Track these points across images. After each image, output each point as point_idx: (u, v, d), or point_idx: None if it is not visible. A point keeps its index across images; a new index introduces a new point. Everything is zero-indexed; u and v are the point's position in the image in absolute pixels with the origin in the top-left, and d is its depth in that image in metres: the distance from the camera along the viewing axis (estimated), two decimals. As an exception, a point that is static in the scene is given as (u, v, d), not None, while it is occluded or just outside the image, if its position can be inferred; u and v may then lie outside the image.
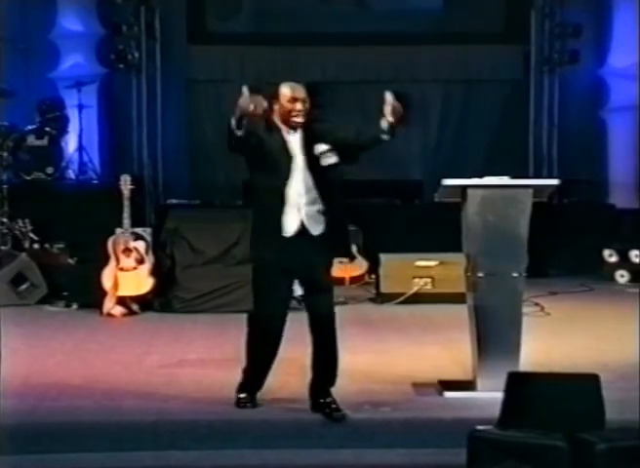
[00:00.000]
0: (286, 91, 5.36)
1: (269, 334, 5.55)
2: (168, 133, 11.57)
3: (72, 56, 11.26)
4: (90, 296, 8.71)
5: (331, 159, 5.41)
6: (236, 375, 5.67)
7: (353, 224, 10.51)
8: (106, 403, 5.67)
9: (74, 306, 8.86)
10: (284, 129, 5.38)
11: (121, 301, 8.62)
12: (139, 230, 9.01)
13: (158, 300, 8.79)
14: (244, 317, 8.12)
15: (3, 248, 9.45)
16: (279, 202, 5.33)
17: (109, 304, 8.59)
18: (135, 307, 8.66)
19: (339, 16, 11.64)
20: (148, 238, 9.02)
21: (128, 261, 8.71)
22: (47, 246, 9.59)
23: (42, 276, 9.09)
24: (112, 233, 8.77)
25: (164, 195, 11.41)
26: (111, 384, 6.09)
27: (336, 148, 5.40)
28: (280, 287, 5.48)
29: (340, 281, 10.05)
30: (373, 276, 9.72)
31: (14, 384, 6.02)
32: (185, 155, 11.84)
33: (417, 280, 9.06)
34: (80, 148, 10.69)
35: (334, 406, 5.36)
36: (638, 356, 6.28)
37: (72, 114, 10.70)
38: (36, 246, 9.60)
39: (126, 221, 8.67)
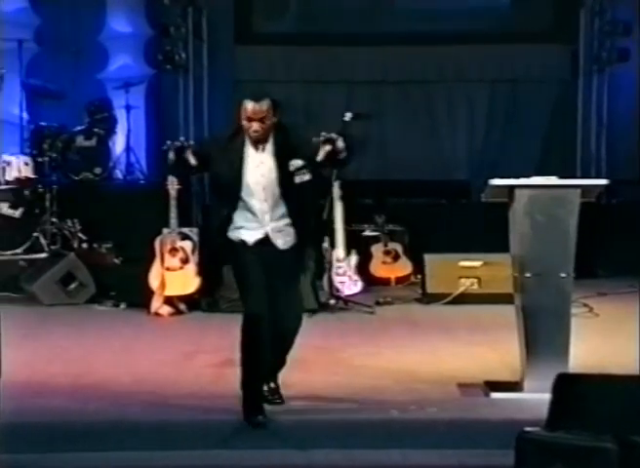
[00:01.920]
0: (244, 108, 5.29)
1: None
2: (214, 133, 11.60)
3: (121, 57, 11.33)
4: (137, 296, 8.77)
5: (304, 176, 5.36)
6: (283, 375, 5.68)
7: (399, 224, 10.49)
8: (154, 402, 5.70)
9: (122, 306, 8.92)
10: (250, 144, 5.36)
11: (168, 301, 8.67)
12: (185, 230, 9.05)
13: (205, 300, 8.83)
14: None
15: (52, 247, 9.55)
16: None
17: (157, 304, 8.64)
18: (182, 307, 8.71)
19: (384, 15, 11.61)
20: (195, 238, 9.06)
21: (174, 261, 8.76)
22: (95, 246, 9.67)
23: (90, 275, 9.16)
24: (159, 233, 8.82)
25: (210, 195, 11.44)
26: (158, 383, 6.13)
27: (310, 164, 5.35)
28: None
29: (386, 281, 10.04)
30: (418, 276, 9.69)
31: (63, 383, 6.09)
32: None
33: (463, 280, 9.02)
34: (127, 149, 10.76)
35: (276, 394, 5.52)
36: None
37: (120, 115, 10.78)
38: (85, 246, 9.69)
39: (173, 221, 8.71)
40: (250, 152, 5.36)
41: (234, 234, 5.46)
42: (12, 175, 9.92)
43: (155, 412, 5.49)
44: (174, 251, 8.75)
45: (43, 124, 10.48)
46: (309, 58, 11.64)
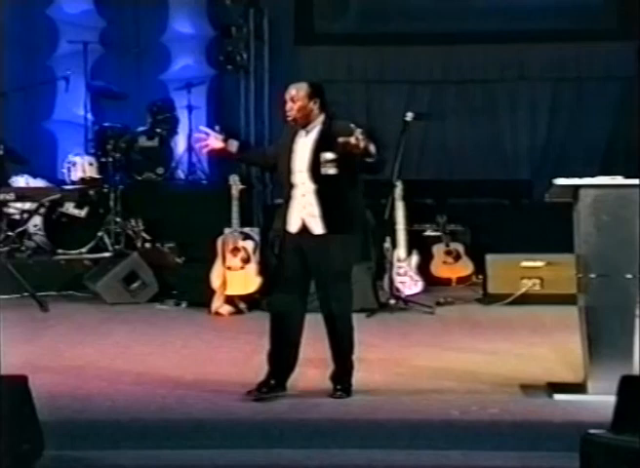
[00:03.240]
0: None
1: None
2: (275, 133, 11.64)
3: (183, 58, 11.42)
4: (199, 295, 8.82)
5: (329, 170, 5.53)
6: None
7: (460, 224, 10.44)
8: (215, 400, 5.73)
9: (183, 305, 8.97)
10: (298, 130, 5.65)
11: (229, 300, 8.72)
12: (247, 230, 9.09)
13: (265, 299, 8.85)
14: (354, 316, 8.15)
15: (116, 247, 9.65)
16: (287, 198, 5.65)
17: (217, 303, 8.69)
18: (242, 306, 8.74)
19: (445, 15, 11.55)
20: (256, 238, 9.10)
21: (235, 261, 8.80)
22: (158, 245, 9.75)
23: (153, 275, 9.23)
24: (221, 233, 8.87)
25: (272, 195, 11.49)
26: (220, 382, 6.15)
27: (344, 159, 5.47)
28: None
29: (447, 281, 10.00)
30: (480, 276, 9.63)
31: (125, 381, 6.15)
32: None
33: (525, 281, 8.94)
34: (189, 149, 10.84)
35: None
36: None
37: (182, 115, 10.87)
38: (147, 245, 9.78)
39: (235, 221, 8.76)
40: (297, 138, 5.64)
41: (279, 222, 5.74)
42: (77, 175, 10.05)
43: (217, 411, 5.52)
44: (235, 250, 8.80)
45: (107, 125, 10.60)
46: (370, 58, 11.63)
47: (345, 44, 11.64)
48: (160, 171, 10.57)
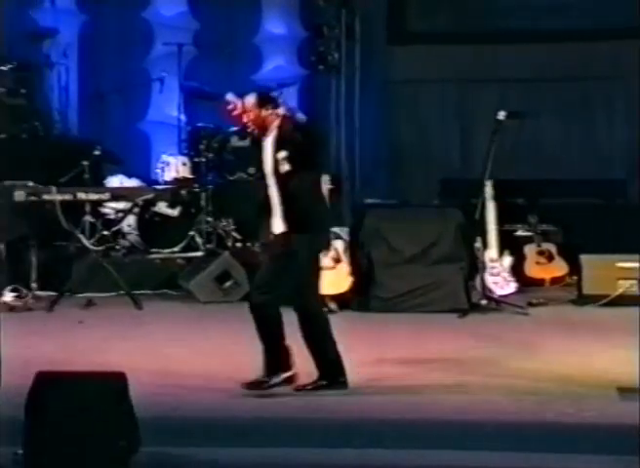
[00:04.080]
0: None
1: None
2: (365, 133, 11.64)
3: (274, 58, 11.48)
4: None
5: (284, 167, 5.82)
6: (438, 376, 5.65)
7: (552, 224, 10.30)
8: (309, 399, 5.75)
9: (277, 304, 9.00)
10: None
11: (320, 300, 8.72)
12: (336, 229, 9.09)
13: (356, 300, 8.86)
14: (443, 317, 8.13)
15: (208, 246, 9.74)
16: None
17: (309, 302, 8.70)
18: (333, 306, 8.74)
19: (539, 12, 11.41)
20: (346, 237, 9.10)
21: (326, 260, 8.80)
22: (248, 244, 9.81)
23: (245, 274, 9.30)
24: (311, 232, 8.89)
25: (361, 195, 11.48)
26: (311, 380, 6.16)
27: (298, 156, 5.78)
28: None
29: (540, 282, 9.87)
30: (574, 277, 9.49)
31: (220, 379, 6.21)
32: (382, 155, 11.88)
33: (621, 282, 8.79)
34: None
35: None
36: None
37: (277, 114, 10.91)
38: (238, 244, 9.85)
39: (325, 221, 8.76)
40: (262, 144, 6.00)
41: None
42: (170, 175, 10.16)
43: (310, 410, 5.54)
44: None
45: (200, 125, 10.69)
46: (463, 57, 11.52)
47: (438, 43, 11.56)
48: (251, 170, 10.62)
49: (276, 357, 5.94)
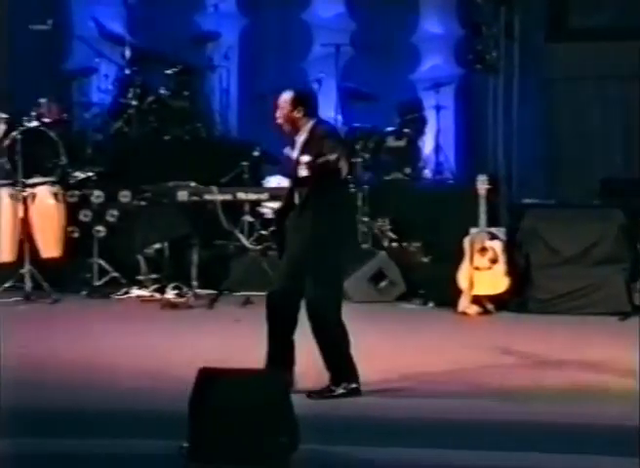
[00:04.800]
0: None
1: None
2: (523, 132, 11.47)
3: (432, 57, 11.45)
4: (446, 295, 8.83)
5: (302, 172, 5.73)
6: (598, 379, 5.53)
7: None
8: (462, 400, 5.71)
9: (430, 304, 9.00)
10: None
11: (476, 300, 8.67)
12: (493, 230, 9.02)
13: (514, 300, 8.76)
14: (603, 320, 7.93)
15: (364, 246, 9.78)
16: None
17: (464, 303, 8.67)
18: (490, 307, 8.68)
19: None
20: (503, 237, 9.01)
21: (483, 261, 8.75)
22: (404, 244, 9.81)
23: (400, 274, 9.31)
24: (466, 233, 8.85)
25: (518, 195, 11.33)
26: (466, 382, 6.13)
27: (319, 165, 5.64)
28: None
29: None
30: None
31: (373, 379, 6.22)
32: (541, 154, 11.69)
33: None
34: (437, 149, 10.85)
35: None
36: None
37: (430, 115, 10.90)
38: (394, 244, 9.86)
39: (482, 221, 8.72)
40: (294, 145, 5.91)
41: None
42: (327, 175, 10.25)
43: (466, 411, 5.51)
44: (483, 250, 8.75)
45: (356, 125, 10.77)
46: (624, 53, 11.22)
47: (598, 39, 11.29)
48: (407, 170, 10.64)
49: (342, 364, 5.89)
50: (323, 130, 5.84)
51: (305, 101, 5.89)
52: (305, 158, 5.76)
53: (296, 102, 5.85)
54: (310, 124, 5.84)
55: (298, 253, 5.83)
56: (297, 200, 5.87)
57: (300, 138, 5.86)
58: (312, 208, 5.79)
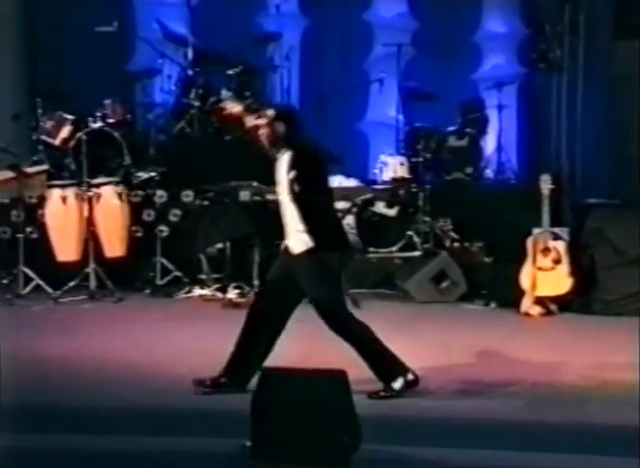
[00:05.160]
0: None
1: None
2: (587, 131, 11.35)
3: (494, 56, 11.37)
4: (508, 295, 8.77)
5: (295, 187, 5.79)
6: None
7: None
8: (532, 402, 5.67)
9: (492, 305, 8.94)
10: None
11: (539, 301, 8.60)
12: (557, 230, 8.94)
13: (577, 301, 8.67)
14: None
15: (425, 246, 9.76)
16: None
17: (527, 304, 8.60)
18: (553, 307, 8.61)
19: None
20: (566, 238, 8.93)
21: (545, 261, 8.68)
22: (466, 245, 9.76)
23: (462, 274, 9.27)
24: (529, 233, 8.78)
25: (582, 194, 11.21)
26: (532, 384, 6.09)
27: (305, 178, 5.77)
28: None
29: None
30: None
31: (440, 379, 6.21)
32: (606, 153, 11.56)
33: None
34: (499, 148, 10.79)
35: None
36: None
37: (492, 115, 10.83)
38: (456, 245, 9.81)
39: (545, 221, 8.64)
40: (277, 161, 5.95)
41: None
42: (388, 175, 10.25)
43: (528, 412, 5.47)
44: (546, 250, 8.67)
45: (417, 125, 10.75)
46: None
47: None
48: (469, 170, 10.59)
49: (383, 362, 5.90)
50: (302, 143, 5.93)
51: (287, 118, 5.96)
52: (291, 173, 5.85)
53: (277, 120, 5.92)
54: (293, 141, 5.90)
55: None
56: (289, 217, 5.92)
57: (286, 154, 5.89)
58: (320, 222, 5.88)
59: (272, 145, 5.94)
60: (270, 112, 5.94)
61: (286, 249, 6.00)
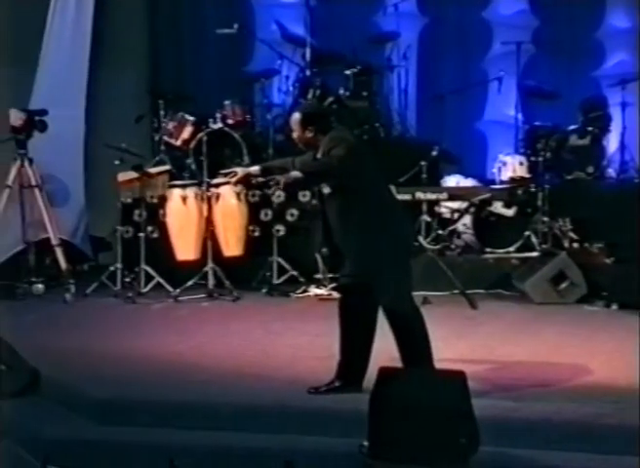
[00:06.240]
0: None
1: None
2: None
3: (617, 53, 11.13)
4: (630, 297, 8.58)
5: (324, 189, 5.86)
6: None
7: None
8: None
9: (614, 306, 8.77)
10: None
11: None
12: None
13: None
14: None
15: (544, 246, 9.63)
16: None
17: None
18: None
19: None
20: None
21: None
22: (586, 245, 9.60)
23: (581, 275, 9.11)
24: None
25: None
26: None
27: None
28: None
29: None
30: None
31: (556, 379, 6.12)
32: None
33: None
34: (622, 147, 10.57)
35: None
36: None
37: (614, 113, 10.61)
38: (575, 245, 9.66)
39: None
40: None
41: None
42: (506, 174, 10.13)
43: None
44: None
45: (537, 124, 10.60)
46: None
47: None
48: (590, 170, 10.40)
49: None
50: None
51: (314, 120, 5.91)
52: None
53: (305, 123, 5.89)
54: (324, 140, 5.85)
55: None
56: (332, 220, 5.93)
57: (319, 156, 5.87)
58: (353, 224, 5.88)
59: (307, 147, 5.98)
60: (297, 115, 5.96)
61: None
